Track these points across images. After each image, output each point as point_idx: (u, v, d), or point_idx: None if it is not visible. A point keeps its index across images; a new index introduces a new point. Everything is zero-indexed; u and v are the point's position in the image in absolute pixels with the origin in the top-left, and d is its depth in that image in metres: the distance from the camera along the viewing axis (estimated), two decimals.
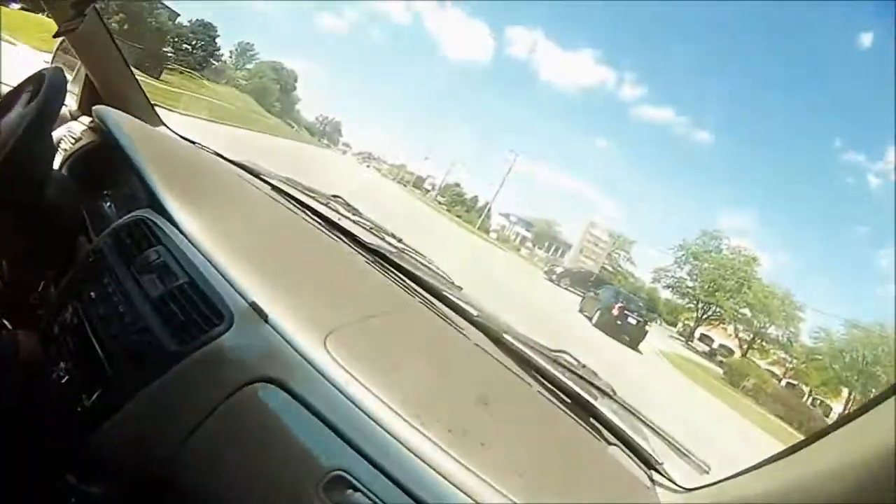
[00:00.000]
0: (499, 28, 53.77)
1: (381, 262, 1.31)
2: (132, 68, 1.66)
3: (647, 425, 1.13)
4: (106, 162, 1.32)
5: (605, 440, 1.10)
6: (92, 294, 1.00)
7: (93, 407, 0.88)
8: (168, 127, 1.73)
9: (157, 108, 1.74)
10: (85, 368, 0.93)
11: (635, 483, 1.02)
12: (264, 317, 0.84)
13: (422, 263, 1.47)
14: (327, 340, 0.85)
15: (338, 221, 1.41)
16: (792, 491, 0.62)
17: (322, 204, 1.52)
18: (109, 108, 1.36)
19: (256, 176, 1.58)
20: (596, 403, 1.14)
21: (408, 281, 1.29)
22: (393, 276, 1.28)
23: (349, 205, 1.61)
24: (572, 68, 51.80)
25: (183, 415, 0.79)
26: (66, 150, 1.52)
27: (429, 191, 41.39)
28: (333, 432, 0.74)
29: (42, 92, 1.02)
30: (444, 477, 0.73)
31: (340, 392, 0.78)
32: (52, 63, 1.71)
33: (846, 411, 15.14)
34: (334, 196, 1.63)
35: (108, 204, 1.25)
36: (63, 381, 0.94)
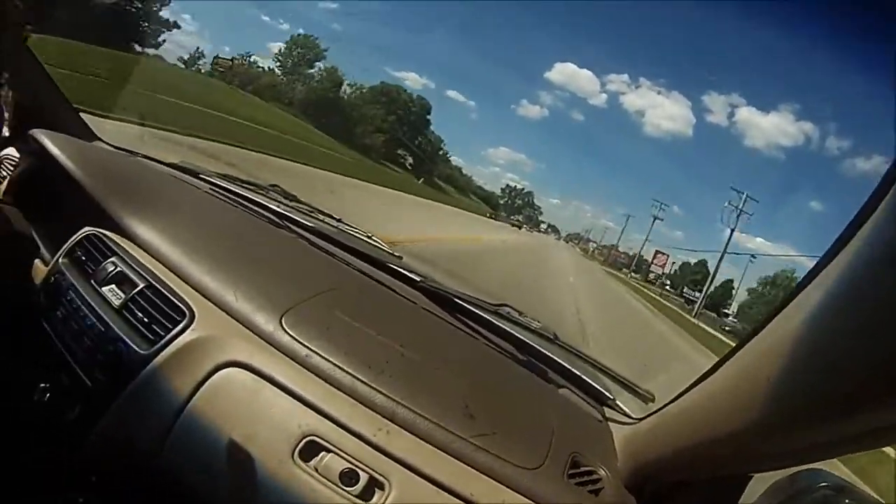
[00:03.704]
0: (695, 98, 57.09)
1: (324, 241, 1.40)
2: (57, 85, 1.68)
3: (592, 364, 1.23)
4: (49, 183, 1.38)
5: (555, 383, 1.20)
6: (59, 313, 1.07)
7: (77, 420, 0.96)
8: (102, 140, 1.77)
9: (106, 120, 1.77)
10: (64, 385, 1.00)
11: (588, 419, 1.13)
12: None
13: (362, 238, 1.57)
14: (283, 320, 0.95)
15: (278, 209, 1.49)
16: (719, 398, 0.72)
17: (262, 194, 1.61)
18: (44, 131, 1.40)
19: (195, 175, 1.65)
20: (542, 349, 1.24)
21: (350, 256, 1.38)
22: (336, 253, 1.38)
23: (287, 192, 1.70)
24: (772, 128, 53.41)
25: (161, 411, 0.87)
26: (5, 177, 1.55)
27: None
28: (301, 402, 0.84)
29: None
30: (406, 429, 0.84)
31: (302, 365, 0.89)
32: None
33: None
34: (272, 185, 1.72)
35: (58, 224, 1.30)
36: (46, 399, 1.01)
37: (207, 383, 0.87)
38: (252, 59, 35.53)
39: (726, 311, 36.71)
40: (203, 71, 32.42)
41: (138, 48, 24.77)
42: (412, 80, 47.84)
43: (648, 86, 61.67)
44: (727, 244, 33.25)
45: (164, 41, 27.59)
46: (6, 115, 1.69)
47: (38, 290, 1.17)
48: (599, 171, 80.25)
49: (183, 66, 31.17)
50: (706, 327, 24.43)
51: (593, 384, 1.21)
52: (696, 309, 32.14)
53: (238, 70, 33.97)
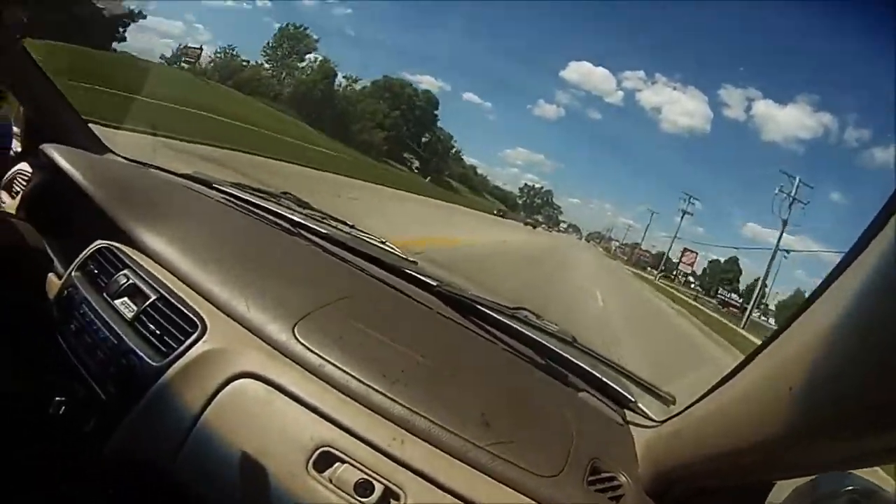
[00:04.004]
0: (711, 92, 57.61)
1: (337, 247, 1.40)
2: (68, 99, 1.70)
3: (613, 367, 1.21)
4: (60, 198, 1.39)
5: (574, 387, 1.19)
6: (72, 326, 1.08)
7: (92, 432, 0.97)
8: (114, 152, 1.78)
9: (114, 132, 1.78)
10: (79, 398, 1.01)
11: (608, 423, 1.11)
12: None
13: (376, 244, 1.56)
14: (296, 329, 0.95)
15: (291, 216, 1.49)
16: (742, 404, 0.70)
17: (273, 202, 1.61)
18: (55, 146, 1.42)
19: (208, 185, 1.66)
20: (560, 352, 1.22)
21: (365, 262, 1.37)
22: (350, 259, 1.37)
23: (299, 199, 1.70)
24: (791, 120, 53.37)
25: (174, 424, 0.87)
26: (17, 192, 1.57)
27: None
28: (314, 413, 0.83)
29: None
30: (421, 438, 0.83)
31: (315, 375, 0.88)
32: None
33: None
34: (284, 193, 1.72)
35: (70, 238, 1.31)
36: (61, 412, 1.01)
37: (220, 395, 0.87)
38: (235, 52, 34.92)
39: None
40: (186, 66, 31.78)
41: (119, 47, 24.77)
42: (428, 83, 47.43)
43: (664, 82, 61.18)
44: (780, 237, 30.03)
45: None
46: (17, 130, 1.71)
47: (51, 304, 1.18)
48: (618, 169, 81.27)
49: (166, 62, 30.97)
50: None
51: (614, 386, 1.19)
52: (744, 319, 28.74)
53: (220, 64, 33.69)
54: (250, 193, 1.62)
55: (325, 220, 1.60)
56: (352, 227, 1.63)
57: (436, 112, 41.34)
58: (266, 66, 35.91)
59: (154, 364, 0.93)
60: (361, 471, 0.79)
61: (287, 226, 1.46)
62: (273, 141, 19.66)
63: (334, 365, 0.90)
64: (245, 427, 0.84)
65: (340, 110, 35.65)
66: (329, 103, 35.21)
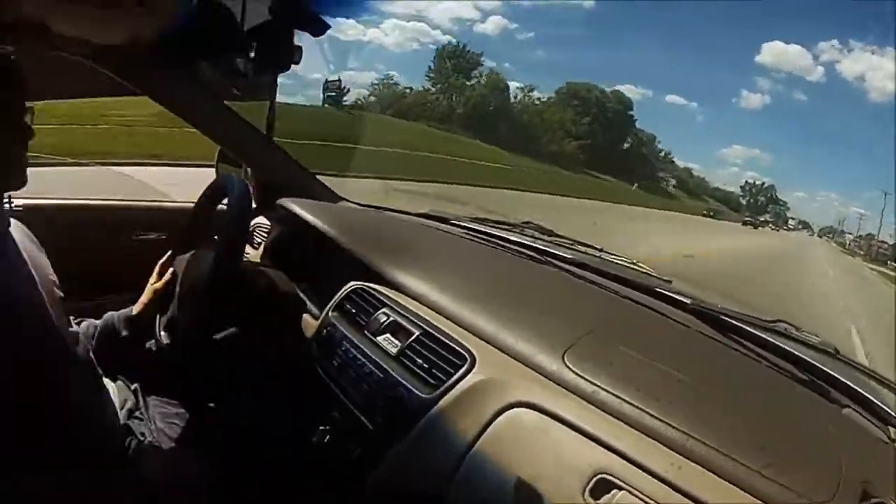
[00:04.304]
0: None
1: (588, 272, 1.39)
2: (290, 154, 1.88)
3: (877, 379, 1.11)
4: (303, 245, 1.54)
5: (838, 403, 1.09)
6: (334, 362, 1.18)
7: (357, 461, 1.04)
8: (347, 199, 1.93)
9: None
10: (344, 428, 1.10)
11: (875, 442, 1.01)
12: None
13: (626, 266, 1.55)
14: (566, 357, 0.95)
15: (536, 245, 1.51)
16: None
17: (517, 232, 1.65)
18: (292, 199, 1.59)
19: (444, 222, 1.74)
20: (823, 366, 1.12)
21: (616, 285, 1.36)
22: (602, 283, 1.36)
23: (542, 227, 1.72)
24: None
25: (445, 453, 0.90)
26: (259, 243, 1.78)
27: None
28: (590, 439, 0.82)
29: (235, 204, 1.19)
30: (698, 463, 0.79)
31: (588, 401, 0.87)
32: (216, 171, 1.88)
33: None
34: (525, 222, 1.75)
35: (319, 281, 1.45)
36: (325, 441, 1.12)
37: (493, 425, 0.88)
38: (394, 80, 34.38)
39: None
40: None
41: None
42: (629, 92, 45.28)
43: (860, 47, 55.16)
44: None
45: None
46: (253, 189, 1.93)
47: (310, 342, 1.29)
48: (836, 151, 70.81)
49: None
50: None
51: (877, 402, 1.07)
52: None
53: (381, 94, 33.42)
54: (491, 226, 1.67)
55: (572, 246, 1.61)
56: (600, 250, 1.62)
57: (630, 113, 38.90)
58: (431, 88, 35.44)
59: (424, 396, 0.97)
60: (640, 498, 0.76)
61: (534, 254, 1.48)
62: (461, 166, 19.83)
63: (606, 390, 0.89)
64: (520, 455, 0.85)
65: (522, 123, 34.39)
66: (506, 117, 34.14)
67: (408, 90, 34.48)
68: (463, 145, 27.25)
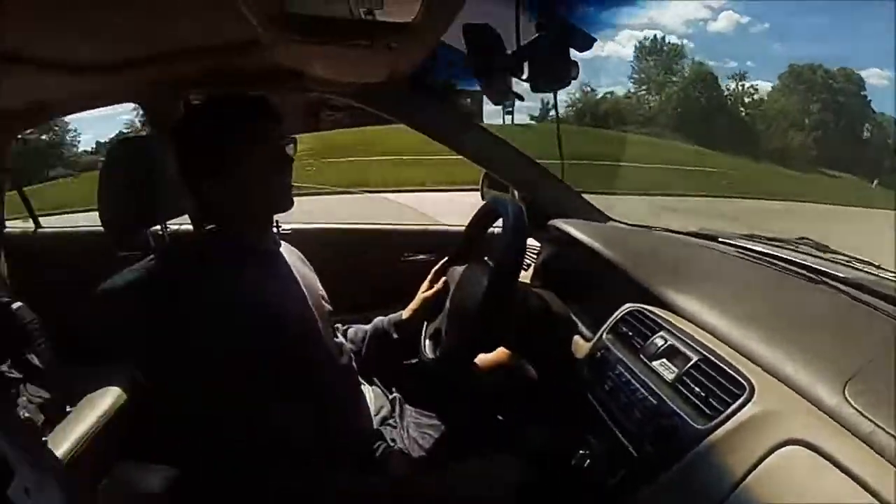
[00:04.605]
0: None
1: (866, 294, 1.22)
2: (555, 175, 1.91)
3: None
4: (575, 265, 1.56)
5: None
6: (606, 386, 1.17)
7: (617, 486, 1.03)
8: (614, 219, 1.93)
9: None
10: (605, 453, 1.10)
11: None
12: None
13: None
14: (846, 389, 0.85)
15: (811, 264, 1.37)
16: None
17: (791, 250, 1.51)
18: (564, 220, 1.63)
19: (713, 240, 1.65)
20: None
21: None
22: (880, 306, 1.18)
23: (818, 243, 1.56)
24: None
25: (712, 486, 0.85)
26: (528, 264, 1.86)
27: None
28: (863, 488, 0.72)
29: (512, 225, 1.23)
30: None
31: (866, 443, 0.77)
32: (481, 195, 2.00)
33: None
34: (800, 238, 1.60)
35: (592, 302, 1.45)
36: (585, 464, 1.12)
37: (765, 462, 0.81)
38: (591, 88, 31.73)
39: None
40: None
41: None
42: (873, 76, 39.27)
43: None
44: None
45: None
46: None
47: (582, 364, 1.29)
48: None
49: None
50: None
51: None
52: None
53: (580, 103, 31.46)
54: (763, 243, 1.56)
55: (849, 265, 1.43)
56: (878, 266, 1.42)
57: (864, 94, 30.61)
58: (631, 89, 32.94)
59: (698, 427, 0.93)
60: None
61: (809, 274, 1.35)
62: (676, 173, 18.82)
63: (887, 432, 0.76)
64: (788, 497, 0.77)
65: (737, 118, 29.98)
66: (719, 111, 30.00)
67: (608, 95, 32.52)
68: (675, 150, 24.74)
